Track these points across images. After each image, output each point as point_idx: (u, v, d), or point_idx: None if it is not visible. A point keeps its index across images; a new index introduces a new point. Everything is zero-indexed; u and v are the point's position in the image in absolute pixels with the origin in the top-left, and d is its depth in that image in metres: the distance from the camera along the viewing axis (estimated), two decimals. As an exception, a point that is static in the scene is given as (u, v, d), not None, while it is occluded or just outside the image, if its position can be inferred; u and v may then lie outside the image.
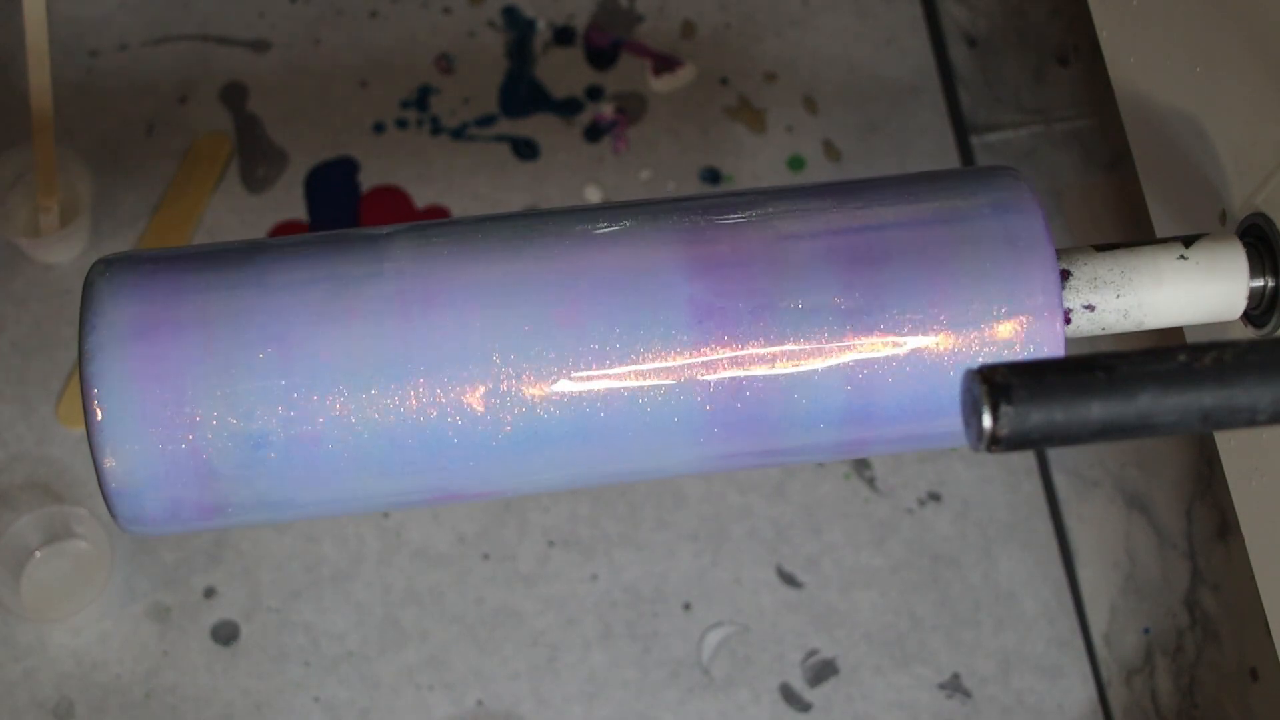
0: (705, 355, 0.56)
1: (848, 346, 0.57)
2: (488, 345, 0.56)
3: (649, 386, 0.56)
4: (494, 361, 0.56)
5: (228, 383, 0.55)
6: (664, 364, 0.56)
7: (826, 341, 0.57)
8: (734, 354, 0.56)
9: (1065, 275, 0.59)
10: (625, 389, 0.56)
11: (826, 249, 0.57)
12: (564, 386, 0.56)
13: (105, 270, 0.57)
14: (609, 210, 0.60)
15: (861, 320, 0.57)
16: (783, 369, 0.57)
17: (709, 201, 0.60)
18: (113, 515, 0.56)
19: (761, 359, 0.57)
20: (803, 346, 0.57)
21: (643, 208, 0.59)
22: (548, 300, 0.56)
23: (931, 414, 0.58)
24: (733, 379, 0.57)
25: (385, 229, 0.59)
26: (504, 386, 0.56)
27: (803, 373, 0.57)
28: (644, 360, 0.56)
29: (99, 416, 0.54)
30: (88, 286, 0.56)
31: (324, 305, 0.56)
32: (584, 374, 0.56)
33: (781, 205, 0.59)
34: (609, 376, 0.56)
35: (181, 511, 0.57)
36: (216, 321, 0.55)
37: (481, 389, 0.56)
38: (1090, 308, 0.60)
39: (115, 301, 0.56)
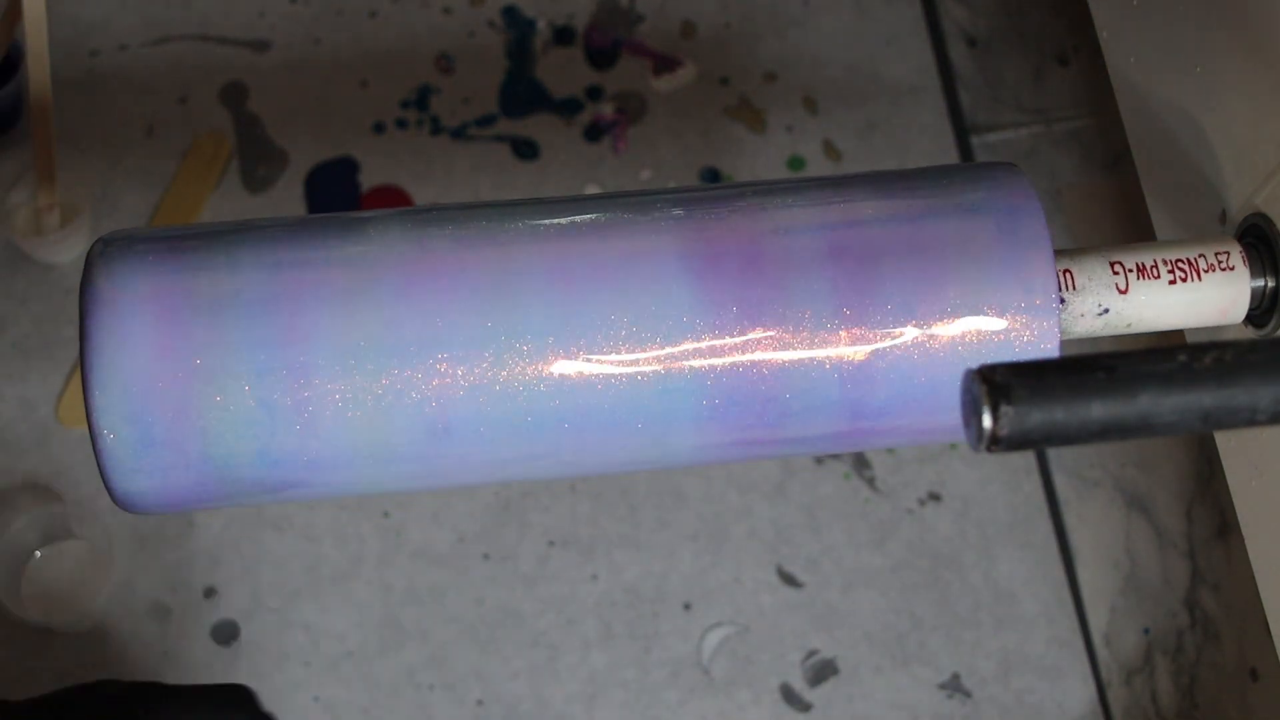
0: (703, 345, 0.56)
1: (845, 339, 0.57)
2: (485, 330, 0.56)
3: (646, 374, 0.56)
4: (493, 347, 0.56)
5: (226, 359, 0.55)
6: (662, 352, 0.56)
7: (825, 334, 0.57)
8: (732, 344, 0.57)
9: (1064, 275, 0.59)
10: (623, 375, 0.56)
11: (826, 241, 0.57)
12: (563, 369, 0.56)
13: (106, 247, 0.57)
14: (609, 200, 0.60)
15: (859, 313, 0.57)
16: (780, 359, 0.57)
17: (710, 193, 0.60)
18: (110, 493, 0.56)
19: (760, 349, 0.57)
20: (801, 338, 0.57)
21: (643, 197, 0.59)
22: (548, 285, 0.56)
23: (927, 408, 0.58)
24: (730, 368, 0.57)
25: (388, 212, 0.59)
26: (504, 372, 0.56)
27: (800, 364, 0.57)
28: (642, 348, 0.56)
29: (97, 392, 0.54)
30: (89, 261, 0.56)
31: (323, 285, 0.56)
32: (580, 360, 0.56)
33: (782, 198, 0.59)
34: (606, 363, 0.56)
35: (178, 490, 0.56)
36: (216, 299, 0.55)
37: (480, 373, 0.56)
38: (1088, 308, 0.59)
39: (115, 276, 0.56)
